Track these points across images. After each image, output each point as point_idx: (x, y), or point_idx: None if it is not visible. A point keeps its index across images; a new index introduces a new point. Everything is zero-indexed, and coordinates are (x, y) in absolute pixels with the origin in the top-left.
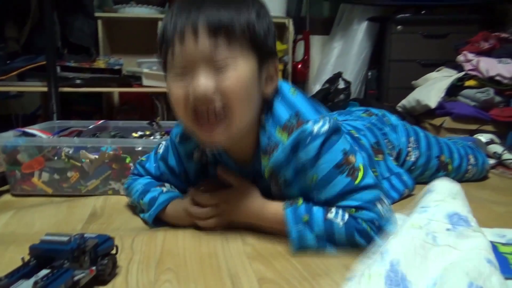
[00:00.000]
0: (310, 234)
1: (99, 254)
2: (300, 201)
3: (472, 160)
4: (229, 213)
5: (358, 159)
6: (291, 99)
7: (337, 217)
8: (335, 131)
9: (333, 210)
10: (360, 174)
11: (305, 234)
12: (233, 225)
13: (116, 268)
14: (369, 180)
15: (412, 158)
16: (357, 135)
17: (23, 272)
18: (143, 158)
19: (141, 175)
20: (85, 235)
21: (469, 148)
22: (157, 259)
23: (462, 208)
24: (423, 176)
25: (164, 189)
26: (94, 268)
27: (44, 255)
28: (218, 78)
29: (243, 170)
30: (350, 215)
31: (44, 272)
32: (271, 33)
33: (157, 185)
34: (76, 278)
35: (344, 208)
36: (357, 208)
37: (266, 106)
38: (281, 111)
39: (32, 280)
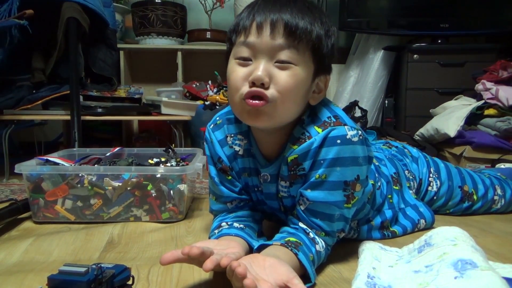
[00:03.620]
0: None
1: (115, 285)
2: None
3: (499, 191)
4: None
5: (359, 192)
6: (333, 107)
7: (320, 247)
8: (368, 158)
9: (317, 240)
10: (353, 202)
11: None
12: None
13: None
14: (351, 212)
15: (434, 188)
16: (377, 164)
17: None
18: (210, 198)
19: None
20: (102, 266)
21: (495, 179)
22: None
23: (463, 252)
24: (446, 206)
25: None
26: None
27: (62, 286)
28: (278, 72)
29: (267, 164)
30: (324, 241)
31: None
32: (332, 52)
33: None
34: None
35: (316, 230)
36: (327, 233)
37: (310, 110)
38: (323, 113)
39: None
